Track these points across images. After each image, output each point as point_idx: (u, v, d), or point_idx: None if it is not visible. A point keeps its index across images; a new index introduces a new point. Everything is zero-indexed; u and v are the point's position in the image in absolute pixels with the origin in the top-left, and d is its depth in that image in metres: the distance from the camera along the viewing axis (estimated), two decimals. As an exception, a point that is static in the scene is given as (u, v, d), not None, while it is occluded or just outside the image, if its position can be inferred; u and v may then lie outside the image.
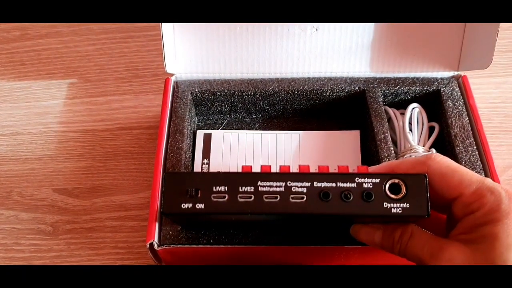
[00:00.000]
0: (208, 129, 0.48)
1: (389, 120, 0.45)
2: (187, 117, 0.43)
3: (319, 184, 0.29)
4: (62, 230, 0.45)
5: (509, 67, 0.54)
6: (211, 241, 0.37)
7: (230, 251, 0.38)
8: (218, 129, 0.48)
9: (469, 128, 0.42)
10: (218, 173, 0.31)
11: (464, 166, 0.40)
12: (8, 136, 0.51)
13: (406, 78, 0.46)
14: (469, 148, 0.41)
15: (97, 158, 0.49)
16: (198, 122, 0.48)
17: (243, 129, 0.48)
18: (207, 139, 0.46)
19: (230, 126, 0.48)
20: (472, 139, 0.41)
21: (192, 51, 0.45)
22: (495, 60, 0.42)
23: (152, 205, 0.37)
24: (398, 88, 0.45)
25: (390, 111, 0.45)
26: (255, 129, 0.48)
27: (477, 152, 0.41)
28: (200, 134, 0.46)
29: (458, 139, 0.41)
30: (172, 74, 0.46)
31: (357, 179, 0.29)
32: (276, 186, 0.29)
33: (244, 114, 0.49)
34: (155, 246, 0.36)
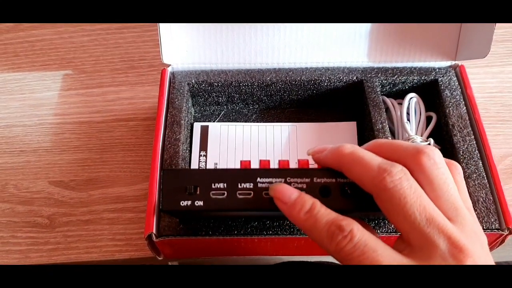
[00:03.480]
0: (205, 120, 0.48)
1: (387, 110, 0.45)
2: (184, 108, 0.43)
3: (319, 180, 0.29)
4: (58, 222, 0.44)
5: (505, 57, 0.54)
6: (210, 232, 0.37)
7: (229, 242, 0.38)
8: (215, 120, 0.47)
9: (467, 118, 0.42)
10: (217, 169, 0.31)
11: (462, 155, 0.40)
12: (3, 129, 0.50)
13: (403, 68, 0.45)
14: (467, 138, 0.41)
15: (93, 150, 0.49)
16: (195, 113, 0.48)
17: (240, 120, 0.48)
18: (204, 131, 0.46)
19: (227, 117, 0.48)
20: (470, 129, 0.41)
21: (189, 41, 0.45)
22: (492, 50, 0.41)
23: (150, 196, 0.37)
24: (396, 78, 0.45)
25: (388, 101, 0.45)
26: (252, 120, 0.48)
27: (474, 142, 0.41)
28: (197, 126, 0.46)
29: (456, 129, 0.41)
30: (169, 65, 0.45)
31: None
32: (276, 182, 0.29)
33: (241, 105, 0.48)
34: (154, 237, 0.36)
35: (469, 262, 0.24)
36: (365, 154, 0.27)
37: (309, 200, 0.27)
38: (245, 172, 0.29)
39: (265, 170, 0.29)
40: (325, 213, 0.26)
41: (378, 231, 0.36)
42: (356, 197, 0.28)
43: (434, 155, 0.26)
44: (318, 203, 0.27)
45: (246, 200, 0.29)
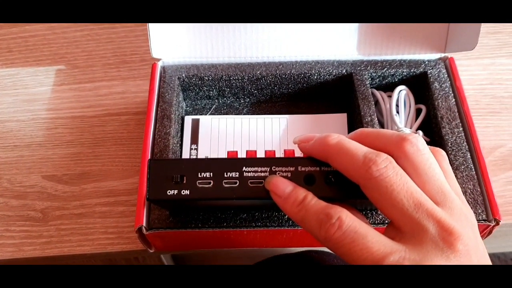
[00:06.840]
0: (196, 114, 0.48)
1: (377, 103, 0.46)
2: (174, 102, 0.43)
3: (303, 169, 0.29)
4: (52, 216, 0.45)
5: (496, 49, 0.54)
6: (200, 224, 0.37)
7: (218, 234, 0.38)
8: (206, 114, 0.48)
9: (456, 110, 0.42)
10: (203, 159, 0.31)
11: (450, 147, 0.40)
12: (-4, 124, 0.51)
13: (393, 61, 0.46)
14: (455, 130, 0.41)
15: (85, 144, 0.49)
16: (186, 108, 0.48)
17: (231, 114, 0.48)
18: (195, 124, 0.46)
19: (218, 111, 0.48)
20: (459, 121, 0.42)
21: (179, 36, 0.45)
22: (483, 42, 0.42)
23: (141, 190, 0.37)
24: (385, 71, 0.45)
25: (377, 93, 0.45)
26: (244, 114, 0.48)
27: (463, 134, 0.41)
28: (188, 119, 0.46)
29: (445, 121, 0.42)
30: (159, 59, 0.45)
31: None
32: (261, 171, 0.29)
33: (232, 99, 0.49)
34: (144, 230, 0.36)
35: (460, 244, 0.24)
36: (351, 144, 0.27)
37: (302, 193, 0.27)
38: (231, 162, 0.30)
39: (250, 160, 0.30)
40: (315, 203, 0.27)
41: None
42: (340, 185, 0.28)
43: (417, 142, 0.26)
44: (310, 195, 0.27)
45: (232, 189, 0.29)
